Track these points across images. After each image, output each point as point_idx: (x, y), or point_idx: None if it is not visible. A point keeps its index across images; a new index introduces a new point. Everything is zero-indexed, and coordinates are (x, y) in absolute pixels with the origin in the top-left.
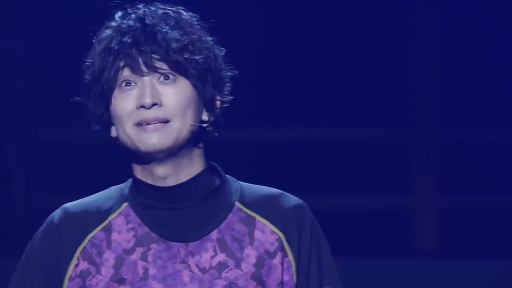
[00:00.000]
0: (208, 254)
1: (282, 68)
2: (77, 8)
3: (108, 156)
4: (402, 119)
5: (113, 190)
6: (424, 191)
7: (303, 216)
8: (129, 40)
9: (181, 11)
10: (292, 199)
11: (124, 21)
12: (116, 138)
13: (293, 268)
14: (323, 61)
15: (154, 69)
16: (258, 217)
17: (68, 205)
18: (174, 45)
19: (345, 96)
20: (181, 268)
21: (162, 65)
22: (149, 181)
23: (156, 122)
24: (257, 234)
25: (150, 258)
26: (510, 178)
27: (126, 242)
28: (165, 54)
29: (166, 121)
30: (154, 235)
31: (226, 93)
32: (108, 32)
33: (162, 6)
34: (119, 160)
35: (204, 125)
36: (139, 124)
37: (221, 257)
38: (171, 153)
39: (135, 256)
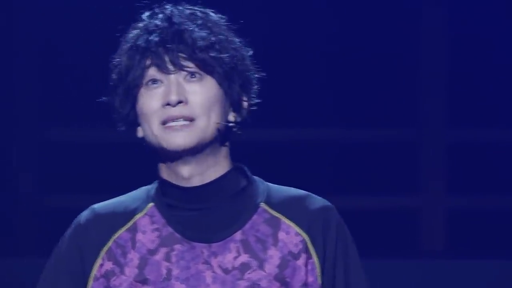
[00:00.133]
0: (231, 255)
1: (291, 68)
2: (86, 7)
3: (115, 157)
4: (410, 120)
5: (141, 191)
6: (431, 192)
7: (329, 217)
8: (156, 39)
9: (209, 12)
10: (318, 201)
11: (151, 20)
12: (143, 139)
13: (318, 270)
14: (332, 62)
15: (180, 67)
16: (283, 219)
17: (96, 206)
18: (200, 43)
19: (353, 96)
20: (203, 269)
21: (189, 63)
22: (174, 181)
23: (181, 119)
24: (281, 235)
25: (173, 259)
26: None
27: (151, 243)
28: (192, 52)
29: (191, 119)
30: (177, 235)
31: (254, 95)
32: (136, 32)
33: (189, 7)
34: (126, 160)
35: (230, 124)
36: (164, 122)
37: (244, 258)
38: (196, 152)
39: (158, 256)
